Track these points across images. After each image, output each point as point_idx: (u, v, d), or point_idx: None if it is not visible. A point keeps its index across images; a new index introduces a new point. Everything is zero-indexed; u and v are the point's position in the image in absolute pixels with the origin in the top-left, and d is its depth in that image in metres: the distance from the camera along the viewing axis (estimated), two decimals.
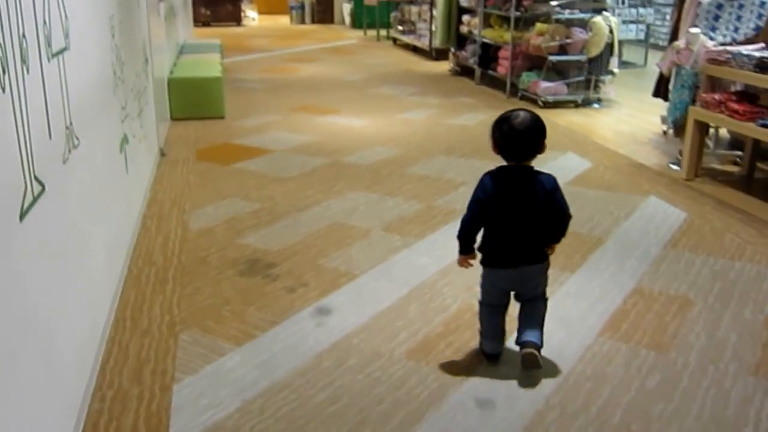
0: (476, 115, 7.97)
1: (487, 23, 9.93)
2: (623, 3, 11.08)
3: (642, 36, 11.59)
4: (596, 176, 5.82)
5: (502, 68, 9.31)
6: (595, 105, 8.45)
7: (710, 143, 6.19)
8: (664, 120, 6.78)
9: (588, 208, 5.05)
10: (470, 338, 3.26)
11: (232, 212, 4.97)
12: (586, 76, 8.34)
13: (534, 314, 3.04)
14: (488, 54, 9.91)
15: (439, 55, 12.06)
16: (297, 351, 3.18)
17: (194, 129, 7.37)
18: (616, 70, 8.47)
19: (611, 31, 8.16)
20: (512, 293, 3.09)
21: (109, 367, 3.04)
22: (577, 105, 8.40)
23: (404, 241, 4.46)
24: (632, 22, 11.21)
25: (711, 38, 5.90)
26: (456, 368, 3.05)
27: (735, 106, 5.24)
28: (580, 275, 3.99)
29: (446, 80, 10.49)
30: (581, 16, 8.33)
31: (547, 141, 2.95)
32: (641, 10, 11.29)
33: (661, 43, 12.82)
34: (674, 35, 6.85)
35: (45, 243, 2.31)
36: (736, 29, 5.88)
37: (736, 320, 3.48)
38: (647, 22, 11.48)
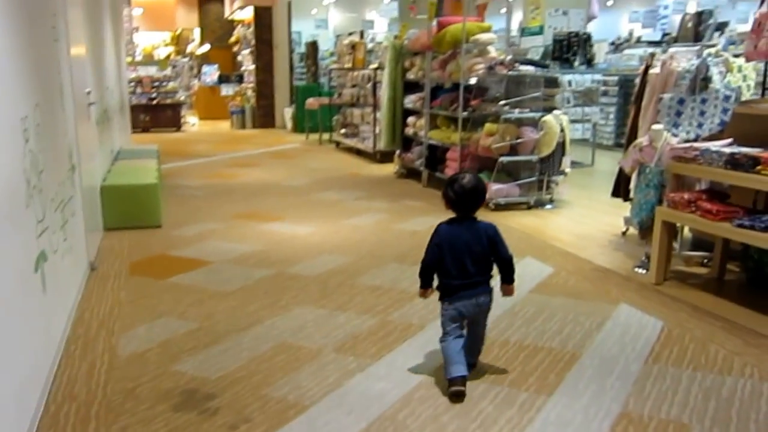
0: (426, 219, 7.67)
1: (433, 124, 9.81)
2: (569, 102, 11.13)
3: (588, 135, 11.63)
4: (560, 283, 5.50)
5: (451, 170, 9.11)
6: (548, 206, 8.27)
7: (676, 245, 5.96)
8: (627, 221, 6.58)
9: (556, 320, 4.70)
10: None
11: (166, 334, 4.48)
12: (538, 177, 8.17)
13: (476, 343, 3.88)
14: (435, 156, 9.75)
15: (384, 157, 11.89)
16: None
17: (129, 239, 6.91)
18: (568, 170, 8.33)
19: (562, 130, 8.05)
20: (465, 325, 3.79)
21: None
22: (529, 206, 8.20)
23: (359, 363, 4.02)
24: (578, 121, 11.24)
25: (674, 135, 5.74)
26: None
27: (707, 205, 5.01)
28: (558, 398, 3.59)
29: (393, 183, 10.25)
30: (531, 115, 8.24)
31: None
32: (587, 109, 11.35)
33: (605, 142, 12.92)
34: (632, 133, 6.72)
35: None
36: (700, 125, 5.73)
37: None
38: (593, 121, 11.53)
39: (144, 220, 7.36)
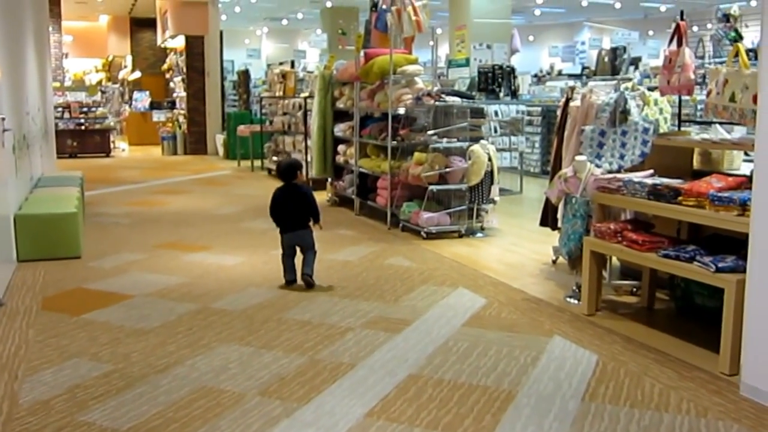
0: (358, 249, 7.36)
1: (363, 153, 9.52)
2: (495, 132, 11.01)
3: (516, 163, 11.53)
4: (493, 315, 5.24)
5: (382, 198, 8.84)
6: (479, 234, 8.05)
7: (605, 273, 5.78)
8: (556, 250, 6.40)
9: (491, 354, 4.41)
10: None
11: (76, 378, 4.02)
12: (468, 205, 7.95)
13: (308, 259, 5.96)
14: (366, 184, 9.46)
15: (316, 185, 11.49)
16: None
17: (44, 272, 6.39)
18: (497, 198, 8.14)
19: (490, 159, 7.87)
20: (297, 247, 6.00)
21: None
22: (460, 235, 7.96)
23: (285, 407, 3.64)
24: (505, 150, 11.13)
25: (598, 165, 5.60)
26: None
27: (633, 235, 4.85)
28: None
29: (325, 211, 9.80)
30: (459, 144, 8.03)
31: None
32: (513, 138, 11.25)
33: (532, 170, 12.87)
34: (556, 163, 6.59)
35: None
36: (622, 156, 5.62)
37: None
38: (520, 150, 11.44)
39: (62, 250, 6.85)
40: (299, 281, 5.98)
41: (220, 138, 18.37)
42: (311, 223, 6.05)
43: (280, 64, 15.66)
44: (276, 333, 4.81)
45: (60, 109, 17.10)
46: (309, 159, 11.51)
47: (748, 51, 7.05)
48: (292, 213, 5.93)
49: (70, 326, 4.94)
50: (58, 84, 18.52)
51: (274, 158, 14.08)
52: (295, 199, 5.96)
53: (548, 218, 6.76)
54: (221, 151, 18.21)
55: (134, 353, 4.42)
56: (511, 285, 6.06)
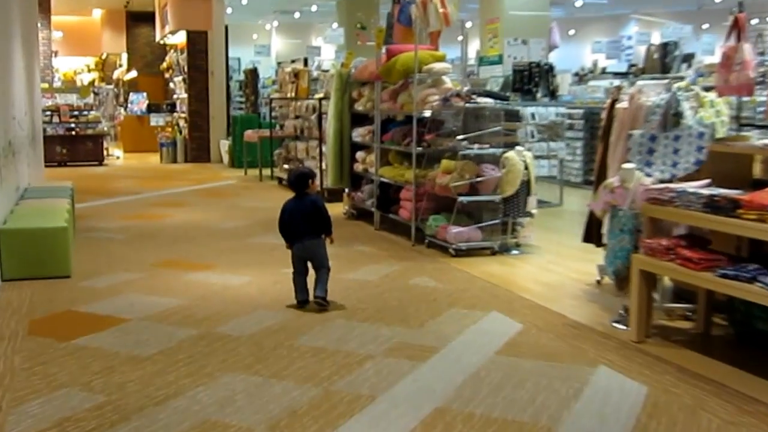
0: (379, 268, 7.39)
1: (384, 160, 9.56)
2: (532, 137, 11.00)
3: (555, 172, 11.51)
4: (530, 342, 5.24)
5: (405, 211, 8.86)
6: (514, 251, 8.05)
7: (656, 295, 5.76)
8: (601, 269, 6.39)
9: (528, 387, 4.41)
10: None
11: (65, 410, 4.08)
12: (501, 219, 7.96)
13: (320, 279, 6.06)
14: (388, 195, 9.49)
15: (331, 196, 11.59)
16: None
17: (31, 292, 6.48)
18: (534, 211, 8.14)
19: (526, 167, 7.87)
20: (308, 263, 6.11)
21: None
22: (493, 252, 7.97)
23: None
24: (543, 157, 11.12)
25: (648, 174, 5.59)
26: None
27: (687, 253, 4.84)
28: None
29: (341, 225, 9.93)
30: (492, 151, 8.05)
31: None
32: (552, 144, 11.24)
33: (573, 179, 12.85)
34: (601, 171, 6.58)
35: None
36: (675, 164, 5.61)
37: None
38: (559, 157, 11.43)
39: (50, 269, 6.93)
40: (312, 301, 6.03)
41: (224, 144, 18.50)
42: (323, 236, 6.18)
43: (292, 61, 15.73)
44: (287, 361, 4.83)
45: (48, 112, 17.30)
46: (323, 167, 11.56)
47: None
48: (302, 226, 6.06)
49: (60, 353, 4.98)
50: (46, 85, 18.79)
51: (285, 166, 14.17)
52: (305, 211, 6.09)
53: (592, 233, 6.76)
54: (226, 158, 18.34)
55: (129, 383, 4.45)
56: (550, 308, 6.07)
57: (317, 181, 6.56)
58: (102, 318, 5.76)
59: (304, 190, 6.14)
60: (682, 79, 8.52)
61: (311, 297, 6.05)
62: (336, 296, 6.19)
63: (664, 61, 13.83)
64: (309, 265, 6.14)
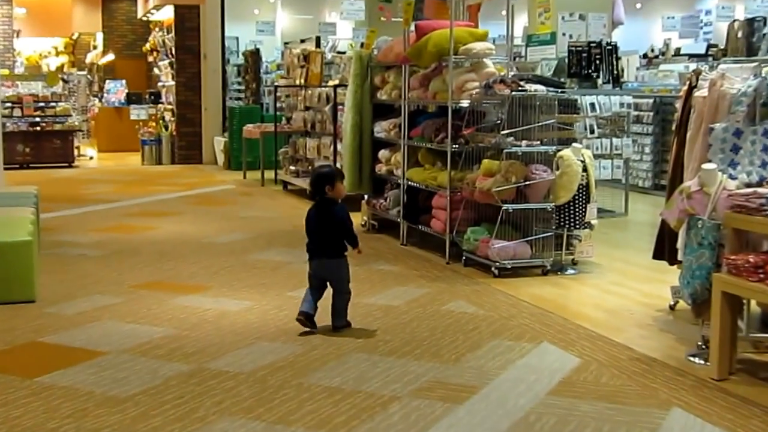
0: (406, 290, 7.44)
1: (413, 161, 9.60)
2: (592, 132, 11.01)
3: (619, 175, 11.51)
4: (589, 380, 5.27)
5: (438, 222, 8.91)
6: (570, 271, 8.11)
7: (742, 324, 5.78)
8: (675, 292, 6.41)
9: None
10: None
11: None
12: (554, 231, 8.00)
13: (337, 306, 6.27)
14: (417, 203, 9.54)
15: (348, 204, 11.57)
16: None
17: None
18: (594, 222, 8.17)
19: (585, 169, 7.90)
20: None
21: None
22: (544, 272, 8.03)
23: None
24: (605, 156, 11.12)
25: (732, 177, 5.61)
26: None
27: None
28: None
29: (360, 240, 9.98)
30: (543, 149, 8.09)
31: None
32: (615, 140, 11.24)
33: (641, 183, 12.84)
34: (676, 174, 6.61)
35: None
36: (764, 164, 5.63)
37: None
38: (625, 157, 11.42)
39: (11, 292, 7.03)
40: (318, 319, 6.13)
41: (220, 142, 18.66)
42: (347, 252, 6.36)
43: (302, 41, 15.89)
44: (295, 403, 4.88)
45: (9, 104, 17.58)
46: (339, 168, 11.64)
47: None
48: (318, 241, 6.25)
49: (22, 393, 5.05)
50: (6, 71, 19.04)
51: (292, 168, 14.26)
52: (323, 223, 6.25)
53: (664, 249, 6.78)
54: (221, 159, 18.49)
55: (106, 429, 4.51)
56: (614, 339, 6.10)
57: (342, 185, 6.57)
58: (73, 351, 5.84)
59: (323, 195, 6.25)
60: None
61: (325, 320, 6.15)
62: (354, 325, 6.24)
63: (750, 40, 13.78)
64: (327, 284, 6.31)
